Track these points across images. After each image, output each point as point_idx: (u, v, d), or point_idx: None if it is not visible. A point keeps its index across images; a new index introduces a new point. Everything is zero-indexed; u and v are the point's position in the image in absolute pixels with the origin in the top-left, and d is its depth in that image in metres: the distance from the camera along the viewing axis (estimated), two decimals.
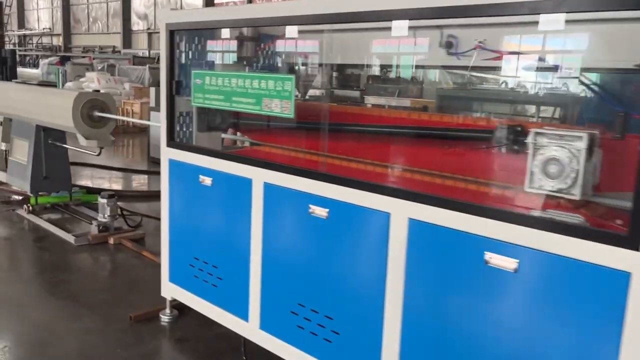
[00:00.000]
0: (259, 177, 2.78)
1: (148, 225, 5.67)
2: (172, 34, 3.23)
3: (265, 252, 2.79)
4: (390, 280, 2.25)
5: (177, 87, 3.30)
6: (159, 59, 21.65)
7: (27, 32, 36.63)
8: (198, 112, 3.36)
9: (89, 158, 7.51)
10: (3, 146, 6.26)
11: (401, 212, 2.19)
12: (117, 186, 7.61)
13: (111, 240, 5.02)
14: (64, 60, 19.69)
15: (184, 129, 3.45)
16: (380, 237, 2.26)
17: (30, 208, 5.75)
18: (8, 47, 28.54)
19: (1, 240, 5.09)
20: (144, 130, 11.36)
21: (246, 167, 2.84)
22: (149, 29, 27.34)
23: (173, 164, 3.33)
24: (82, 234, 5.12)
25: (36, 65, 30.70)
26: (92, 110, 5.07)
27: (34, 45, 35.36)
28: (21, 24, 37.54)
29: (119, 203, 5.28)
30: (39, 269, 4.44)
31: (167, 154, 3.36)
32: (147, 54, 25.72)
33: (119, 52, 27.64)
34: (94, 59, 21.38)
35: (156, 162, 9.60)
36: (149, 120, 8.64)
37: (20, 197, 6.40)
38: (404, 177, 2.69)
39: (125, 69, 19.00)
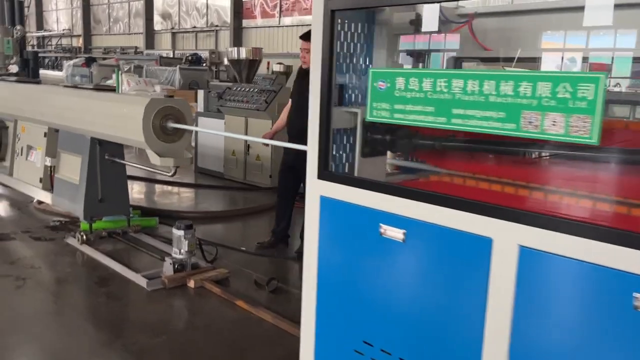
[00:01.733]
0: (507, 236, 1.75)
1: (225, 258, 4.67)
2: (333, 16, 2.21)
3: (515, 343, 1.77)
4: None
5: (339, 95, 2.29)
6: (187, 59, 20.67)
7: (46, 33, 36.00)
8: (366, 129, 2.34)
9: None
10: (48, 162, 5.29)
11: None
12: (165, 203, 6.62)
13: (191, 283, 4.02)
14: (89, 62, 18.82)
15: (341, 153, 2.43)
16: None
17: (84, 237, 4.77)
18: (28, 48, 27.88)
19: (53, 282, 4.11)
20: None
21: (480, 218, 1.81)
22: (172, 28, 26.49)
23: (329, 204, 2.31)
24: (154, 274, 4.13)
25: (55, 67, 30.02)
26: (165, 120, 4.08)
27: (54, 46, 34.70)
28: (40, 25, 36.92)
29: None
30: (112, 329, 3.43)
31: (319, 189, 2.34)
32: (171, 55, 24.87)
33: (142, 52, 26.83)
34: (118, 60, 20.51)
35: (204, 173, 8.65)
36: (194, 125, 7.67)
37: (62, 221, 5.44)
38: None
39: (153, 70, 18.08)
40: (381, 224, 2.10)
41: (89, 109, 4.51)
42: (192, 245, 4.16)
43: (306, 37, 4.61)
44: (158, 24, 27.58)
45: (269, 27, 21.32)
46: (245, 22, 22.61)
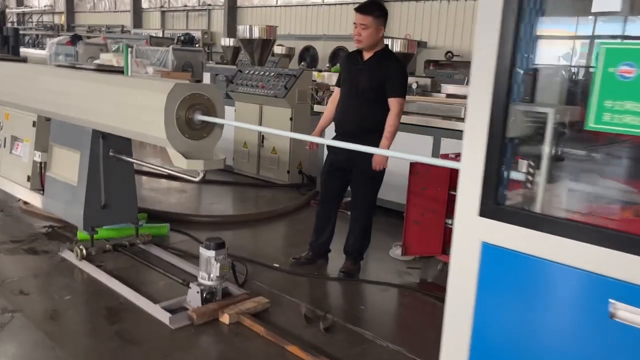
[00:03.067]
0: None
1: (256, 277, 3.84)
2: None
3: None
4: None
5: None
6: (179, 39, 19.64)
7: (27, 9, 34.34)
8: (558, 137, 1.51)
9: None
10: (37, 157, 4.38)
11: None
12: (171, 204, 5.75)
13: (225, 318, 3.18)
14: (75, 40, 17.56)
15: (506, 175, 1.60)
16: None
17: (84, 251, 3.90)
18: (8, 25, 26.34)
19: (49, 317, 3.23)
20: None
21: None
22: (161, 6, 25.22)
23: (499, 256, 1.49)
24: (177, 305, 3.29)
25: (36, 45, 28.49)
26: (192, 111, 3.21)
27: (34, 24, 33.10)
28: (20, 1, 35.21)
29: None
30: None
31: (480, 232, 1.52)
32: (161, 35, 23.66)
33: (129, 32, 25.55)
34: (106, 38, 19.31)
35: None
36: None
37: (55, 226, 4.56)
38: None
39: (144, 50, 16.94)
40: (611, 300, 1.30)
41: (93, 95, 3.61)
42: (224, 268, 3.32)
43: (364, 9, 3.75)
44: (146, 1, 26.26)
45: (267, 6, 20.25)
46: (239, 1, 21.50)
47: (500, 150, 1.44)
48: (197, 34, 21.36)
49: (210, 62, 15.53)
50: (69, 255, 4.00)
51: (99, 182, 3.93)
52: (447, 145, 5.06)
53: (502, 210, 1.47)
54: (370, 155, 3.68)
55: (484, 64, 1.45)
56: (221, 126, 3.40)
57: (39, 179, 4.47)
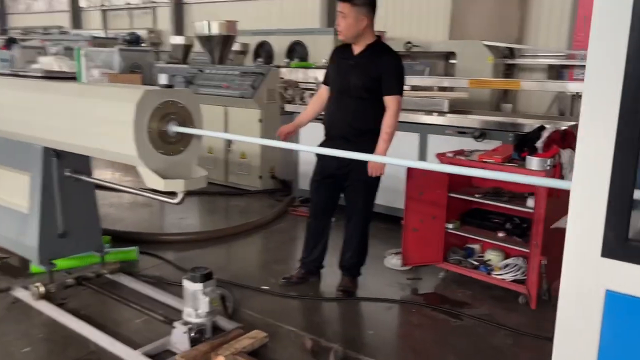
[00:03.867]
0: None
1: (245, 304, 3.40)
2: None
3: None
4: None
5: None
6: (124, 39, 18.75)
7: None
8: None
9: None
10: None
11: None
12: (134, 220, 5.19)
13: None
14: (9, 43, 16.35)
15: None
16: None
17: (42, 290, 3.34)
18: None
19: None
20: None
21: None
22: (102, 5, 23.97)
23: (636, 308, 1.13)
24: (161, 350, 2.82)
25: None
26: (166, 122, 2.73)
27: None
28: None
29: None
30: None
31: (603, 277, 1.15)
32: (103, 35, 22.52)
33: (68, 32, 24.19)
34: (45, 40, 18.12)
35: None
36: None
37: (2, 257, 3.96)
38: None
39: (87, 52, 16.00)
40: None
41: (43, 108, 3.07)
42: (214, 302, 2.86)
43: None
44: (84, 0, 24.94)
45: (215, 1, 19.51)
46: None
47: (635, 167, 1.08)
48: (143, 33, 20.39)
49: (160, 62, 14.77)
50: (23, 295, 3.43)
51: (54, 207, 3.38)
52: (435, 142, 4.74)
53: (635, 249, 1.11)
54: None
55: (607, 55, 1.08)
56: (200, 137, 2.93)
57: None
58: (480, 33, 9.44)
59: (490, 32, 9.06)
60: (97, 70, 13.96)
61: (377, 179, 3.51)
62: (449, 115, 5.07)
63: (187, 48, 13.06)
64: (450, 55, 9.00)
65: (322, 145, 3.56)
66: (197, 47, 13.34)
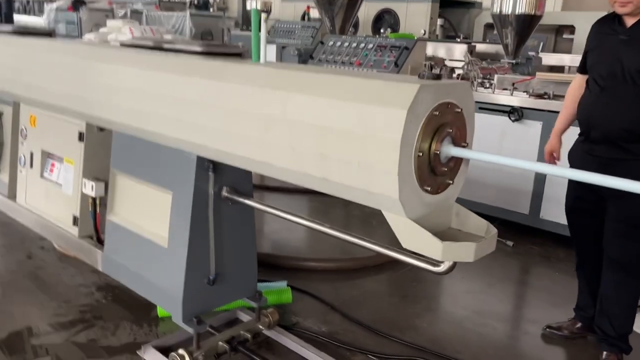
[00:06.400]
0: None
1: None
2: None
3: None
4: None
5: None
6: (192, 3, 17.73)
7: None
8: None
9: None
10: (90, 188, 2.76)
11: None
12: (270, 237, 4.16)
13: None
14: (77, 5, 15.57)
15: None
16: None
17: (190, 358, 2.33)
18: None
19: None
20: None
21: None
22: None
23: None
24: None
25: (28, 12, 26.22)
26: (439, 139, 1.61)
27: None
28: None
29: None
30: None
31: None
32: None
33: None
34: (112, 3, 17.31)
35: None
36: None
37: (105, 293, 2.99)
38: None
39: (155, 16, 15.09)
40: None
41: (210, 101, 1.99)
42: None
43: None
44: None
45: None
46: None
47: None
48: None
49: (236, 29, 13.67)
50: (154, 358, 2.44)
51: (206, 242, 2.34)
52: None
53: None
54: None
55: None
56: (468, 161, 1.80)
57: (92, 222, 2.86)
58: (598, 2, 8.03)
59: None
60: (169, 36, 12.99)
61: None
62: None
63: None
64: (563, 28, 7.74)
65: (576, 149, 2.62)
66: (274, 14, 12.21)
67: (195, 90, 2.05)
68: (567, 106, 2.78)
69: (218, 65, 2.07)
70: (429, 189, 1.64)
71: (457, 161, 1.73)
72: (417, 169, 1.57)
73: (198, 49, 2.17)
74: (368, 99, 1.59)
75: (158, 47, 2.31)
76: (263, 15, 2.14)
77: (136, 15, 15.75)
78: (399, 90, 1.55)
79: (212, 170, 2.27)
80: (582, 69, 2.67)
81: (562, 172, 1.62)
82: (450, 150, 1.63)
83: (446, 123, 1.63)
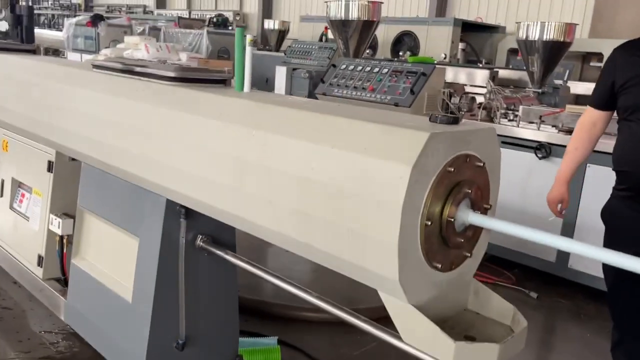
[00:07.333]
0: None
1: None
2: None
3: None
4: None
5: None
6: (210, 21, 17.75)
7: None
8: None
9: None
10: (55, 225, 2.44)
11: None
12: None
13: None
14: (96, 20, 15.57)
15: None
16: None
17: None
18: (22, 3, 24.37)
19: None
20: None
21: None
22: None
23: None
24: None
25: (52, 26, 26.53)
26: (455, 201, 1.24)
27: (50, 2, 31.26)
28: None
29: None
30: None
31: None
32: (186, 15, 21.69)
33: (151, 12, 23.61)
34: (131, 19, 17.34)
35: None
36: None
37: (69, 345, 2.63)
38: None
39: (173, 33, 15.01)
40: None
41: (179, 137, 1.65)
42: None
43: None
44: None
45: None
46: None
47: None
48: (229, 15, 19.37)
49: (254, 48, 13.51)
50: None
51: (175, 299, 1.98)
52: None
53: None
54: None
55: None
56: (488, 231, 1.42)
57: (59, 262, 2.53)
58: (628, 30, 7.65)
59: None
60: (184, 54, 12.80)
61: None
62: None
63: (281, 34, 11.62)
64: (590, 56, 7.37)
65: (619, 207, 2.14)
66: (293, 33, 11.95)
67: (162, 123, 1.72)
68: (579, 147, 2.35)
69: (191, 94, 1.73)
70: (440, 265, 1.26)
71: (477, 229, 1.35)
72: (424, 241, 1.20)
73: (171, 74, 1.83)
74: (364, 147, 1.23)
75: (129, 71, 1.98)
76: (248, 38, 1.80)
77: (154, 32, 15.71)
78: (403, 139, 1.19)
79: (183, 216, 1.92)
80: (603, 104, 2.26)
81: (622, 262, 1.18)
82: (468, 216, 1.26)
83: (464, 181, 1.26)
